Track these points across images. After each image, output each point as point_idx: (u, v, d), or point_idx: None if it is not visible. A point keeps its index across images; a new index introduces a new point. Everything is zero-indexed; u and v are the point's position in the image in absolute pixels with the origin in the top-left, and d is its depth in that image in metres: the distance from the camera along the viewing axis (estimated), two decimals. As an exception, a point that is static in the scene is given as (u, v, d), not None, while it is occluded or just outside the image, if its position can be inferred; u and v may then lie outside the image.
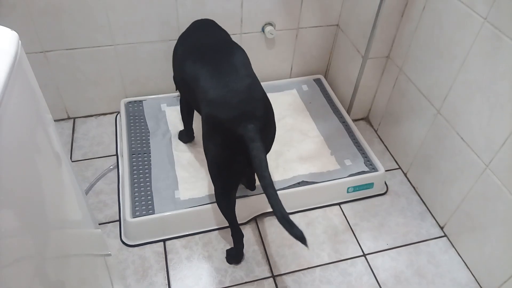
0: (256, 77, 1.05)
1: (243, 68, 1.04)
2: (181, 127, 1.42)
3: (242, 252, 1.18)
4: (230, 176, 1.03)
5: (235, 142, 0.93)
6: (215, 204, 1.22)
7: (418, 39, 1.31)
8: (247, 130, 0.92)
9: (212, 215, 1.25)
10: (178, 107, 1.41)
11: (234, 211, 1.11)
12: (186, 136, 1.41)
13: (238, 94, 0.97)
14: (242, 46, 1.17)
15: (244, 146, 0.92)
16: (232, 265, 1.18)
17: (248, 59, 1.11)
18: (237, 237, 1.14)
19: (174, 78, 1.25)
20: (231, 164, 0.98)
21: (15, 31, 0.56)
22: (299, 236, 0.87)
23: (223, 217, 1.27)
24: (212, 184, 1.28)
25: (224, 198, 1.09)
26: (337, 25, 1.66)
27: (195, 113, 1.32)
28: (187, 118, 1.36)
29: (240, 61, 1.06)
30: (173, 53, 1.24)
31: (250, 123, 0.92)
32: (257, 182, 1.30)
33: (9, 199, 0.51)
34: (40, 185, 0.63)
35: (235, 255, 1.18)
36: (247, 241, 1.24)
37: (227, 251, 1.20)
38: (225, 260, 1.19)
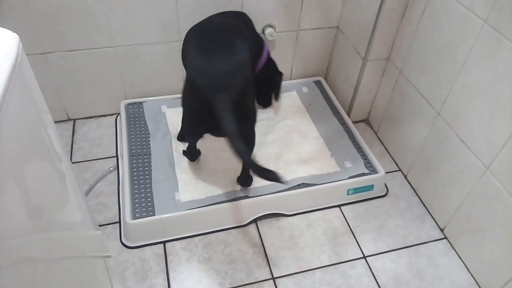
0: (247, 62, 1.09)
1: (238, 48, 1.10)
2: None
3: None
4: (194, 125, 1.14)
5: (207, 106, 1.02)
6: (216, 206, 1.23)
7: (418, 41, 1.31)
8: (219, 100, 1.00)
9: (213, 217, 1.25)
10: (178, 109, 1.41)
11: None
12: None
13: (220, 65, 1.04)
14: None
15: (212, 110, 1.00)
16: (232, 268, 1.18)
17: (250, 46, 1.17)
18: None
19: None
20: (197, 118, 1.11)
21: (15, 32, 0.56)
22: (274, 178, 0.98)
23: (223, 219, 1.27)
24: (212, 185, 1.29)
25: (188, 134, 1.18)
26: (337, 27, 1.66)
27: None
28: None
29: (240, 44, 1.12)
30: None
31: (223, 94, 1.00)
32: (257, 184, 1.30)
33: (9, 201, 0.51)
34: (40, 187, 0.63)
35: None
36: (248, 243, 1.24)
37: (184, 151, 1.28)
38: (225, 262, 1.19)
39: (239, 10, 1.48)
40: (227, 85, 1.03)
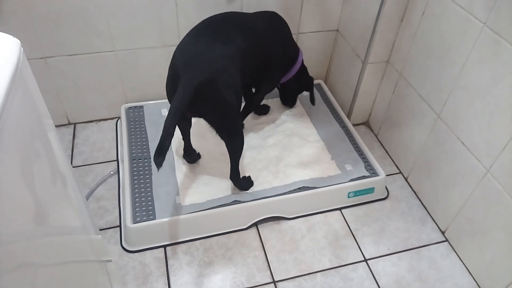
0: (232, 58, 1.10)
1: (231, 44, 1.11)
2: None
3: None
4: (167, 91, 1.15)
5: (177, 78, 1.05)
6: (217, 209, 1.23)
7: (418, 44, 1.31)
8: (185, 77, 1.02)
9: (213, 221, 1.25)
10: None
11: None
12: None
13: (203, 50, 1.07)
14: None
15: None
16: (233, 271, 1.18)
17: (259, 49, 1.21)
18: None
19: None
20: (169, 86, 1.13)
21: (15, 37, 0.56)
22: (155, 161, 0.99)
23: (224, 223, 1.27)
24: (212, 189, 1.29)
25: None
26: (337, 30, 1.67)
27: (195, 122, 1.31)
28: None
29: (237, 42, 1.13)
30: None
31: (191, 74, 1.02)
32: (257, 187, 1.30)
33: (10, 205, 0.51)
34: (41, 191, 0.63)
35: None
36: (248, 247, 1.24)
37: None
38: (225, 266, 1.19)
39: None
40: (198, 68, 1.04)
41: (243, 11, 1.48)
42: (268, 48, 1.28)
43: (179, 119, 1.01)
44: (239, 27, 1.19)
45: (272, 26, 1.32)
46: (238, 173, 1.26)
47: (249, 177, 1.31)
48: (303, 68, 1.50)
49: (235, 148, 1.21)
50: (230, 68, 1.09)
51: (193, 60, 1.06)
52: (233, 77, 1.10)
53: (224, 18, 1.21)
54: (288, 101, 1.61)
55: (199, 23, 1.18)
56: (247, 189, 1.29)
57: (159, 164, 0.99)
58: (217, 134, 1.16)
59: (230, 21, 1.21)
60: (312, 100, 1.57)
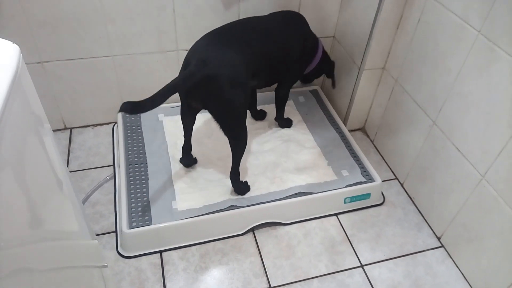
0: (240, 62, 1.13)
1: (241, 50, 1.15)
2: (179, 138, 1.42)
3: None
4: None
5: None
6: (213, 215, 1.23)
7: (413, 51, 1.33)
8: (187, 70, 1.08)
9: (210, 226, 1.25)
10: (175, 117, 1.42)
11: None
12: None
13: (211, 52, 1.11)
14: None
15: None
16: (229, 277, 1.18)
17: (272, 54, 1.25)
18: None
19: None
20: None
21: (13, 41, 0.57)
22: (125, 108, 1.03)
23: (220, 228, 1.27)
24: (209, 194, 1.29)
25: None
26: (333, 36, 1.68)
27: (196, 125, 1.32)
28: None
29: (250, 48, 1.17)
30: None
31: (199, 67, 1.07)
32: (254, 193, 1.30)
33: (8, 210, 0.51)
34: (39, 196, 0.62)
35: None
36: (245, 252, 1.24)
37: None
38: (222, 271, 1.19)
39: (236, 19, 1.49)
40: (208, 65, 1.08)
41: (242, 17, 1.49)
42: (286, 48, 1.31)
43: (171, 94, 1.05)
44: (254, 31, 1.23)
45: (288, 26, 1.34)
46: (238, 173, 1.27)
47: (246, 182, 1.32)
48: (324, 55, 1.49)
49: (237, 147, 1.23)
50: (240, 69, 1.13)
51: (204, 60, 1.09)
52: (242, 78, 1.14)
53: (240, 23, 1.26)
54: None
55: (215, 28, 1.22)
56: (244, 194, 1.29)
57: (124, 110, 1.03)
58: (221, 130, 1.19)
59: (245, 25, 1.25)
60: (333, 83, 1.57)
